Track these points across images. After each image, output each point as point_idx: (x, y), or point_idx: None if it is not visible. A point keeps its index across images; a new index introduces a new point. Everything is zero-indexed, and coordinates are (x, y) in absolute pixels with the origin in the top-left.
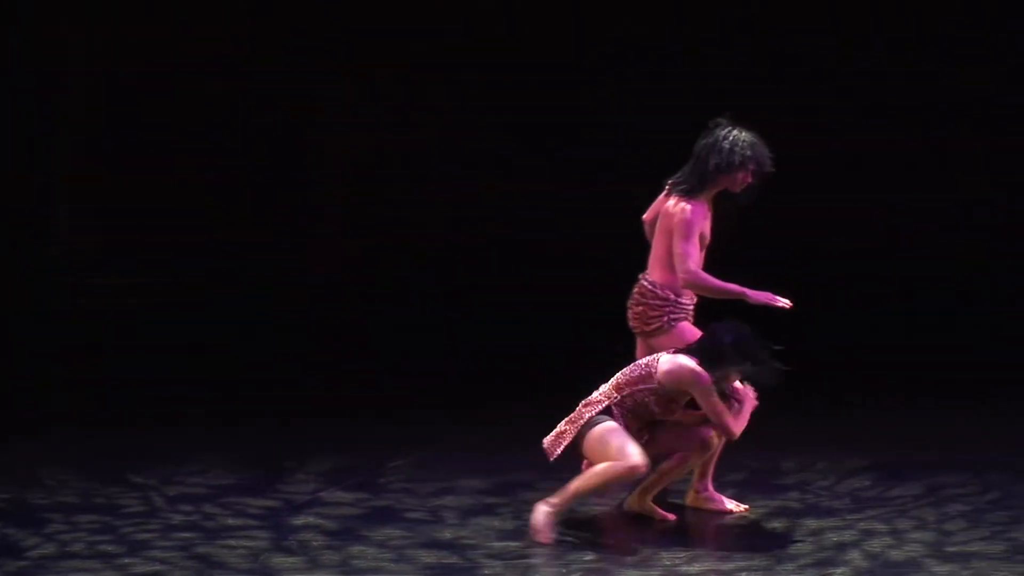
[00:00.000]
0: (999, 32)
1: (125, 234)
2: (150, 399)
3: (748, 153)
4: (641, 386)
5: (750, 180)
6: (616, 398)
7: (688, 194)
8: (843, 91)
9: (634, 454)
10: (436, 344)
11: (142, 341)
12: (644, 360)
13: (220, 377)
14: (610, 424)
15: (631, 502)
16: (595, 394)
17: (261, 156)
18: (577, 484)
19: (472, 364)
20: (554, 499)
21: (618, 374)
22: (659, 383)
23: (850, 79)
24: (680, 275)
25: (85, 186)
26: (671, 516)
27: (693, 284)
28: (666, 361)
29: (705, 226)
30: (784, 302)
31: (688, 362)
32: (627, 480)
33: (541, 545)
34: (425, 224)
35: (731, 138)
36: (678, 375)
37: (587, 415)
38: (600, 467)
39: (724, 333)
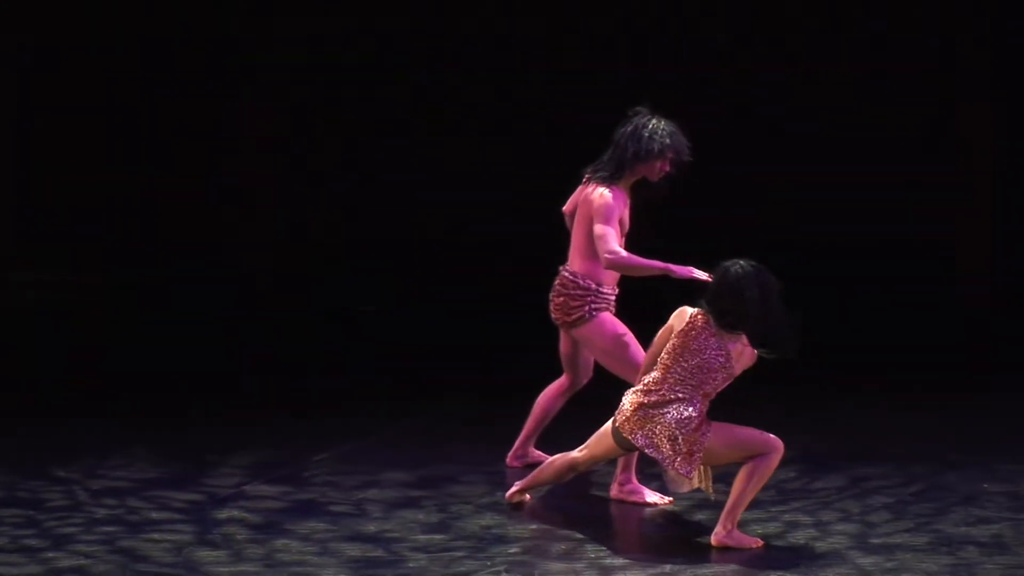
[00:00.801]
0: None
1: (44, 229)
2: (72, 393)
3: (667, 142)
4: (723, 386)
5: (668, 169)
6: (707, 406)
7: (607, 181)
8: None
9: (772, 437)
10: (359, 337)
11: (64, 335)
12: (702, 358)
13: (143, 370)
14: (723, 425)
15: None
16: (689, 410)
17: (180, 149)
18: (741, 493)
19: (395, 358)
20: (727, 523)
21: (690, 384)
22: (735, 373)
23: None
24: (603, 256)
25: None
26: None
27: (616, 264)
28: (737, 350)
29: (624, 213)
30: (705, 276)
31: (745, 342)
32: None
33: (751, 548)
34: (354, 215)
35: (650, 127)
36: (751, 357)
37: (705, 435)
38: (759, 467)
39: (748, 284)
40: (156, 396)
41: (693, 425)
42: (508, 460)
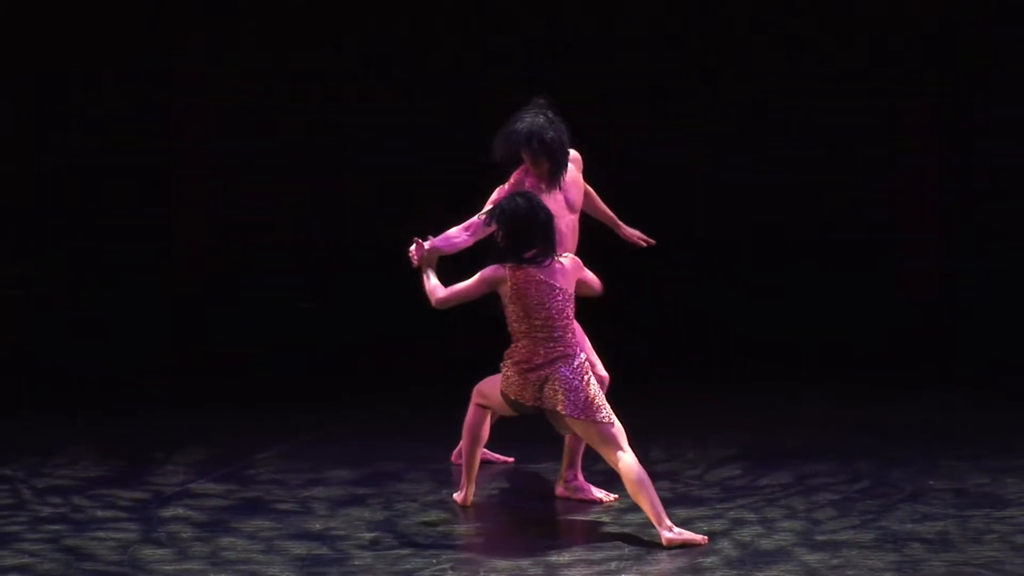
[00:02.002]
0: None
1: None
2: (15, 390)
3: (501, 140)
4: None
5: (531, 160)
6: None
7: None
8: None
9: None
10: (303, 333)
11: (4, 331)
12: (546, 309)
13: (86, 367)
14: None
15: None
16: (579, 359)
17: (120, 142)
18: (648, 498)
19: (340, 354)
20: (663, 524)
21: (556, 335)
22: (574, 290)
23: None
24: None
25: None
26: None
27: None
28: (562, 272)
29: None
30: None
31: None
32: None
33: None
34: (292, 211)
35: (504, 129)
36: (578, 263)
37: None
38: (640, 476)
39: (535, 208)
40: (100, 394)
41: (586, 367)
42: (453, 457)
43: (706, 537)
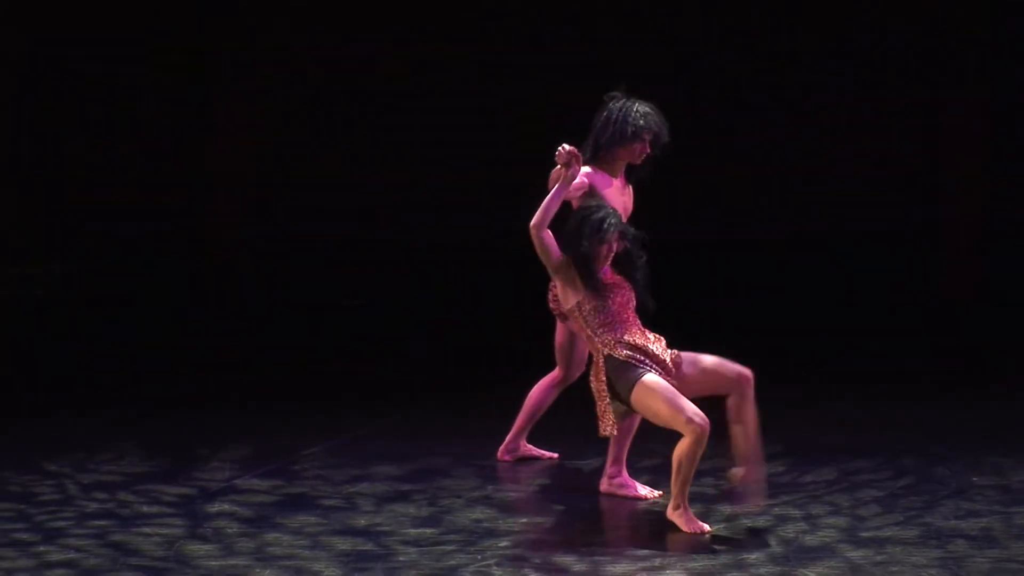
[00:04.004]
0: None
1: (18, 221)
2: (62, 387)
3: (641, 123)
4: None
5: (648, 151)
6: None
7: (586, 163)
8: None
9: (689, 409)
10: (347, 331)
11: (51, 329)
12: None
13: (131, 364)
14: (656, 388)
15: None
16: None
17: (156, 140)
18: (678, 473)
19: (384, 351)
20: (675, 500)
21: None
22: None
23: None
24: None
25: None
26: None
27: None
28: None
29: (609, 193)
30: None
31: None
32: (706, 439)
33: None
34: (335, 211)
35: (624, 110)
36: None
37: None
38: (684, 446)
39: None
40: (146, 390)
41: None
42: (499, 454)
43: (708, 527)
